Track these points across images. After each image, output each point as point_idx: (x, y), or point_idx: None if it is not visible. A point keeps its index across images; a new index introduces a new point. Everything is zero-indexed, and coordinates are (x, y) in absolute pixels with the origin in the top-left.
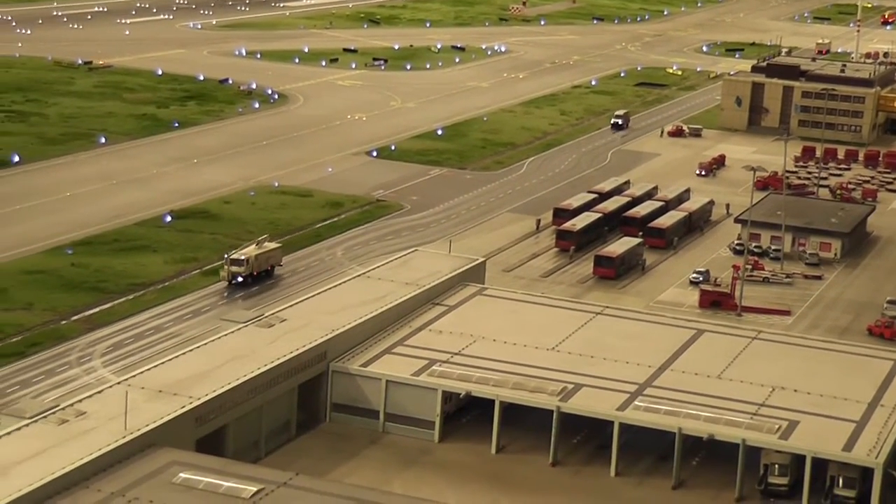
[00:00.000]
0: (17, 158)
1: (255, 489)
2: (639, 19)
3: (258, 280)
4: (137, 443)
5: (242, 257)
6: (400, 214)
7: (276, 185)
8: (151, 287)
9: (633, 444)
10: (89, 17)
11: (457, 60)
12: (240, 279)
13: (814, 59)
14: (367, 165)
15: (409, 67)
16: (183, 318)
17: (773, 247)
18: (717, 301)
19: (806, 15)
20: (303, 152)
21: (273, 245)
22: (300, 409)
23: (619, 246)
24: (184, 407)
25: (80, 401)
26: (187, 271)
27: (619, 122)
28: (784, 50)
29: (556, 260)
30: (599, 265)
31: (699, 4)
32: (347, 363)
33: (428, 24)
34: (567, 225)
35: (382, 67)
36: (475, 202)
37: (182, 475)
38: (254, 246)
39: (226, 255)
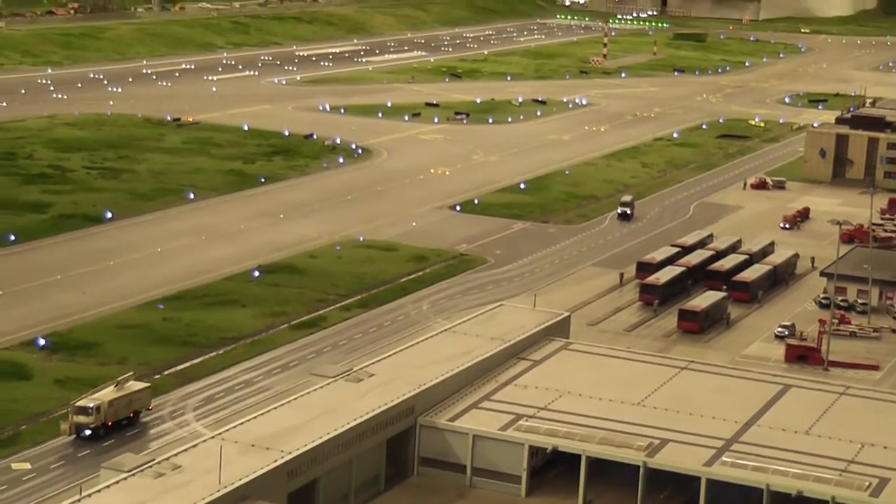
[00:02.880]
0: (109, 215)
1: None
2: (720, 71)
3: (115, 430)
4: (231, 496)
5: (91, 405)
6: (484, 268)
7: (362, 239)
8: (241, 341)
9: (721, 500)
10: (177, 74)
11: (538, 114)
12: (87, 432)
13: None
14: (451, 219)
15: (491, 121)
16: (272, 373)
17: (859, 300)
18: (803, 355)
19: (891, 65)
20: (387, 206)
21: (139, 385)
22: (389, 462)
23: (704, 300)
24: (276, 461)
25: (175, 454)
26: (276, 325)
27: (628, 210)
28: (869, 101)
29: (640, 314)
30: (684, 319)
31: (781, 56)
32: (435, 418)
33: (509, 78)
34: (651, 279)
35: (465, 121)
36: (558, 256)
37: None
38: (112, 388)
39: (71, 403)
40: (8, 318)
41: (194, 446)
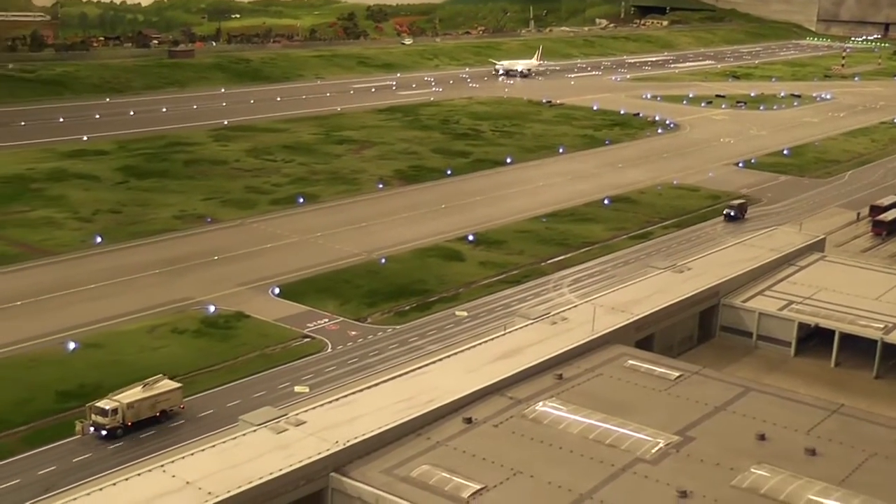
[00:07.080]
0: (509, 160)
1: (678, 374)
2: None
3: (135, 429)
4: (600, 340)
5: (108, 407)
6: (760, 205)
7: (675, 182)
8: (596, 245)
9: None
10: (548, 73)
11: (795, 104)
12: (103, 432)
13: None
14: (735, 172)
15: (762, 108)
16: (618, 266)
17: None
18: None
19: None
20: (692, 162)
21: (170, 385)
22: (700, 327)
23: None
24: (628, 319)
25: (563, 311)
26: (619, 236)
27: (732, 213)
28: None
29: (872, 241)
30: None
31: None
32: (732, 299)
33: (773, 80)
34: (881, 217)
35: (743, 108)
36: (812, 199)
37: (630, 362)
38: (139, 388)
39: (90, 404)
40: (450, 223)
41: (575, 307)
